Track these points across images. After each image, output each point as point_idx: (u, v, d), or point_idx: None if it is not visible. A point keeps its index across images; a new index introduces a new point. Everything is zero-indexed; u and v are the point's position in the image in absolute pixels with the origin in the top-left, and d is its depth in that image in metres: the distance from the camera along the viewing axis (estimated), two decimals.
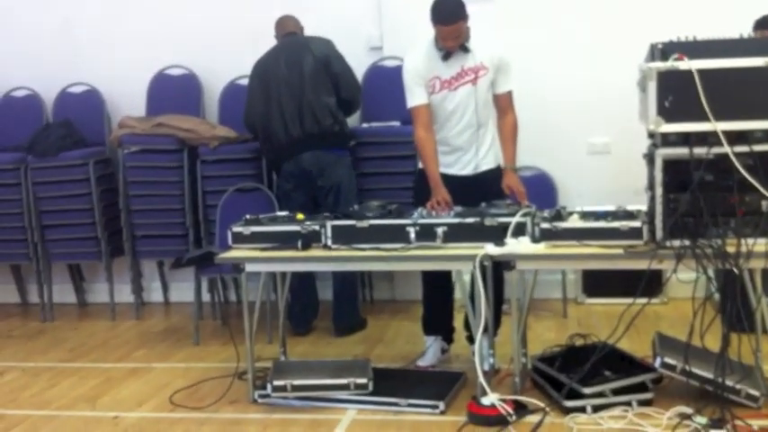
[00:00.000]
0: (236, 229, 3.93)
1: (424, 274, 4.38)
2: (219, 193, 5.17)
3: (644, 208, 3.76)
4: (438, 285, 4.35)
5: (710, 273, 3.54)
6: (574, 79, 5.30)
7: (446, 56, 4.15)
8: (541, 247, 3.61)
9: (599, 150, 5.40)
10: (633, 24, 5.11)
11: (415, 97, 4.23)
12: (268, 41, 5.13)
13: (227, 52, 5.64)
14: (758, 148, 3.42)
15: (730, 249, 3.41)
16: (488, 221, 3.71)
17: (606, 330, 3.85)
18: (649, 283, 3.60)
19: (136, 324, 5.52)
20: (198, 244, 5.37)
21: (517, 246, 3.60)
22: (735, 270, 3.42)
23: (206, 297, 5.44)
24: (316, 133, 4.82)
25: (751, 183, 3.41)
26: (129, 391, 4.23)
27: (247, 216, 4.06)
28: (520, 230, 3.68)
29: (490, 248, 3.60)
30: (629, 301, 3.63)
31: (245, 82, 5.53)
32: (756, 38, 4.15)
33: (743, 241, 3.41)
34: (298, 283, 4.83)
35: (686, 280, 3.54)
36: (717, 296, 3.76)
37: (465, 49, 4.14)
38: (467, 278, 3.83)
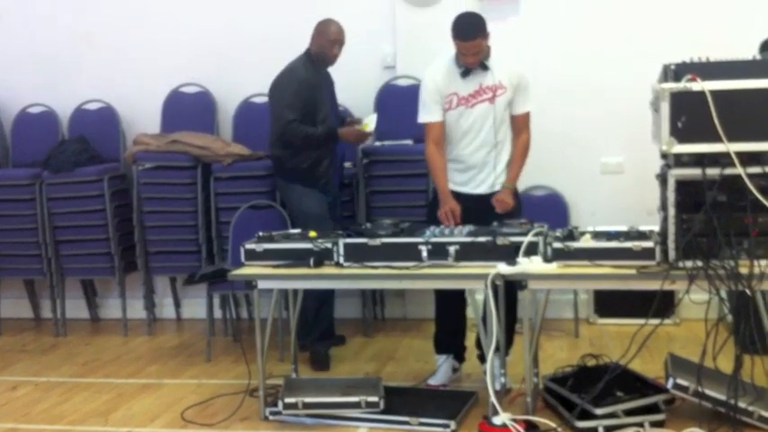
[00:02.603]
0: (249, 246, 3.95)
1: (437, 292, 4.38)
2: (233, 209, 5.19)
3: (656, 228, 3.76)
4: (451, 304, 4.35)
5: (723, 294, 3.54)
6: (588, 99, 5.31)
7: (465, 72, 4.18)
8: (553, 267, 3.61)
9: (612, 170, 5.40)
10: (647, 45, 5.13)
11: (429, 113, 4.27)
12: (283, 61, 5.16)
13: (241, 70, 5.69)
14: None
15: (743, 270, 3.41)
16: (500, 240, 3.71)
17: (618, 351, 3.84)
18: (662, 304, 3.61)
19: (148, 340, 5.54)
20: (211, 260, 5.40)
21: (529, 265, 3.60)
22: (747, 292, 3.41)
23: (218, 313, 5.45)
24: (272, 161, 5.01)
25: (764, 204, 3.41)
26: (141, 406, 4.24)
27: (260, 233, 4.07)
28: (532, 250, 3.68)
29: (502, 268, 3.60)
30: (641, 321, 3.62)
31: (258, 100, 5.62)
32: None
33: (756, 262, 3.41)
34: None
35: (699, 301, 3.53)
36: (729, 317, 3.75)
37: (484, 67, 4.17)
38: (479, 297, 3.84)
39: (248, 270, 3.92)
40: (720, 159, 3.43)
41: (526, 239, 3.68)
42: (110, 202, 5.50)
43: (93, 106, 5.89)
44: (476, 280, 3.63)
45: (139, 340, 5.53)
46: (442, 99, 4.24)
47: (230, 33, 5.75)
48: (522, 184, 5.22)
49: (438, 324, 4.46)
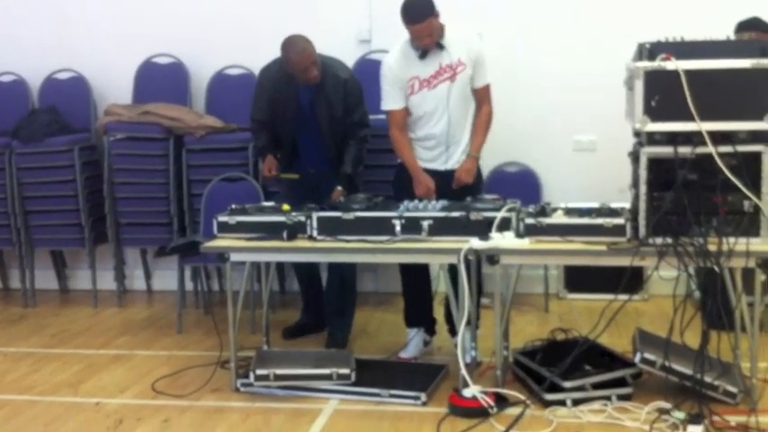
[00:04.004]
0: (222, 218, 3.94)
1: (402, 267, 4.40)
2: (205, 182, 5.16)
3: (628, 205, 3.80)
4: (417, 278, 4.39)
5: (691, 271, 3.59)
6: (561, 77, 5.34)
7: (423, 54, 4.18)
8: (526, 243, 3.64)
9: (585, 148, 5.44)
10: (621, 23, 5.17)
11: (391, 100, 4.30)
12: (257, 32, 5.14)
13: (215, 41, 5.64)
14: (742, 148, 3.47)
15: (712, 248, 3.46)
16: (473, 216, 3.73)
17: (587, 325, 3.89)
18: (631, 280, 3.66)
19: (118, 311, 5.51)
20: (182, 233, 5.37)
21: (502, 240, 3.63)
22: (715, 268, 3.47)
23: (189, 286, 5.44)
24: None
25: (734, 183, 3.45)
26: (112, 377, 4.23)
27: (233, 206, 4.06)
28: (505, 225, 3.71)
29: (475, 242, 3.63)
30: (610, 297, 3.68)
31: (233, 72, 5.59)
32: (742, 39, 4.22)
33: (724, 240, 3.46)
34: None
35: (667, 277, 3.58)
36: (697, 294, 3.81)
37: (440, 47, 4.17)
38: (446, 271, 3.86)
39: (220, 242, 3.91)
40: (692, 138, 3.47)
41: (499, 215, 3.70)
42: (80, 173, 5.45)
43: (63, 76, 5.81)
44: (449, 254, 3.66)
45: (110, 312, 5.50)
46: (403, 85, 4.25)
47: (204, 3, 5.68)
48: (495, 161, 5.28)
49: (406, 298, 4.49)
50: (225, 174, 5.16)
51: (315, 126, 4.58)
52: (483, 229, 3.70)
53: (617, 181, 4.54)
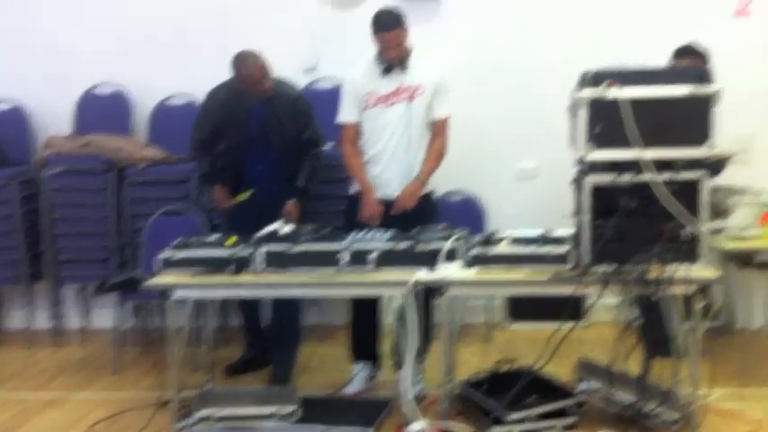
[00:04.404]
0: (165, 254, 3.84)
1: (353, 299, 4.35)
2: (147, 215, 5.00)
3: (570, 232, 3.80)
4: (367, 310, 4.34)
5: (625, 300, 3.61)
6: (503, 105, 5.38)
7: (386, 70, 4.19)
8: (473, 273, 3.63)
9: (527, 175, 5.47)
10: (562, 53, 5.21)
11: (346, 113, 4.31)
12: (200, 61, 5.07)
13: (157, 71, 5.52)
14: (681, 175, 3.50)
15: (653, 275, 3.47)
16: (420, 247, 3.70)
17: (531, 355, 3.88)
18: (573, 308, 3.67)
19: (54, 352, 5.31)
20: (123, 268, 5.24)
21: (449, 271, 3.61)
22: (654, 296, 3.48)
23: (128, 323, 5.27)
24: None
25: (674, 210, 3.47)
26: (47, 422, 4.08)
27: (177, 240, 3.97)
28: (452, 256, 3.69)
29: (422, 274, 3.60)
30: (552, 325, 3.68)
31: (176, 102, 5.51)
32: (682, 67, 4.29)
33: (665, 267, 3.47)
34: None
35: (608, 305, 3.59)
36: (636, 320, 3.82)
37: (404, 67, 4.17)
38: (396, 304, 3.81)
39: (164, 279, 3.80)
40: (634, 166, 3.49)
41: (446, 246, 3.68)
42: (19, 208, 5.28)
43: (2, 106, 5.65)
44: (396, 287, 3.62)
45: (45, 352, 5.30)
46: (360, 99, 4.25)
47: (147, 32, 5.56)
48: (439, 190, 5.26)
49: (354, 331, 4.43)
50: (167, 207, 5.05)
51: (266, 147, 4.53)
52: (430, 260, 3.67)
53: (559, 207, 4.59)
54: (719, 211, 4.20)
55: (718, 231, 4.10)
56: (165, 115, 5.53)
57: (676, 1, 5.23)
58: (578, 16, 5.33)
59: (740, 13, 5.30)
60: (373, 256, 3.71)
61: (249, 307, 4.79)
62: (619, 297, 3.55)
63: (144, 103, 5.59)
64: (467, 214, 5.22)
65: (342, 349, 4.57)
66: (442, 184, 5.13)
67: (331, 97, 4.89)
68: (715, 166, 4.01)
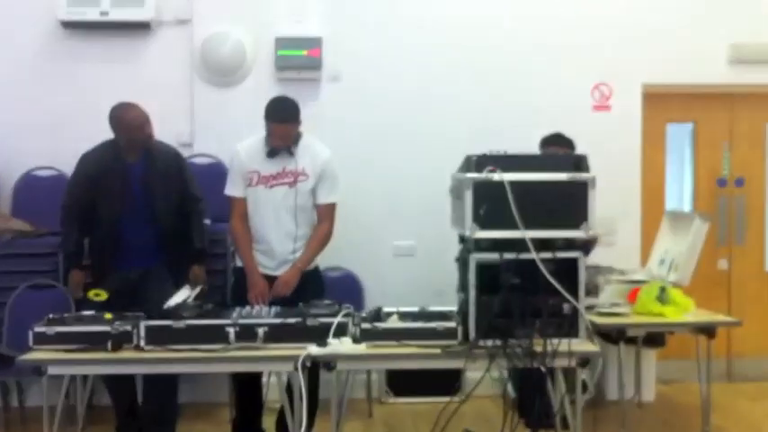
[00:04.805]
0: (39, 328, 3.63)
1: (235, 376, 4.26)
2: (11, 289, 4.80)
3: (450, 308, 3.88)
4: (249, 386, 4.26)
5: (504, 373, 3.71)
6: (381, 185, 5.55)
7: (271, 153, 4.20)
8: (363, 348, 3.64)
9: (404, 253, 5.58)
10: (438, 138, 5.46)
11: (233, 187, 4.32)
12: (68, 133, 4.94)
13: (23, 142, 5.35)
14: (560, 255, 3.68)
15: (537, 349, 3.60)
16: (310, 322, 3.69)
17: (411, 429, 3.88)
18: (451, 382, 3.72)
19: None
20: None
21: (340, 346, 3.60)
22: (542, 368, 3.60)
23: None
24: None
25: (554, 287, 3.63)
26: None
27: (51, 315, 3.77)
28: (340, 331, 3.69)
29: (313, 349, 3.58)
30: (432, 399, 3.70)
31: (42, 173, 5.31)
32: (559, 154, 4.57)
33: (548, 341, 3.61)
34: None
35: (487, 379, 3.69)
36: (512, 393, 3.92)
37: (290, 153, 4.21)
38: (284, 379, 3.77)
39: (38, 355, 3.59)
40: (516, 245, 3.64)
41: (336, 320, 3.68)
42: None
43: None
44: (286, 362, 3.57)
45: None
46: (245, 175, 4.25)
47: (12, 102, 5.39)
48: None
49: (238, 408, 4.34)
50: (32, 280, 4.81)
51: (146, 208, 4.38)
52: (319, 335, 3.66)
53: (434, 284, 4.72)
54: (589, 289, 4.42)
55: (589, 308, 4.31)
56: (30, 187, 5.33)
57: (545, 95, 5.59)
58: (450, 103, 5.58)
59: (600, 106, 5.72)
60: (262, 330, 3.66)
61: (122, 385, 4.55)
62: (498, 371, 3.64)
63: (8, 175, 5.37)
64: (346, 290, 5.26)
65: (221, 427, 4.43)
66: (322, 260, 5.18)
67: (206, 173, 4.91)
68: (585, 246, 4.24)
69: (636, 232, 5.75)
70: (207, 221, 4.70)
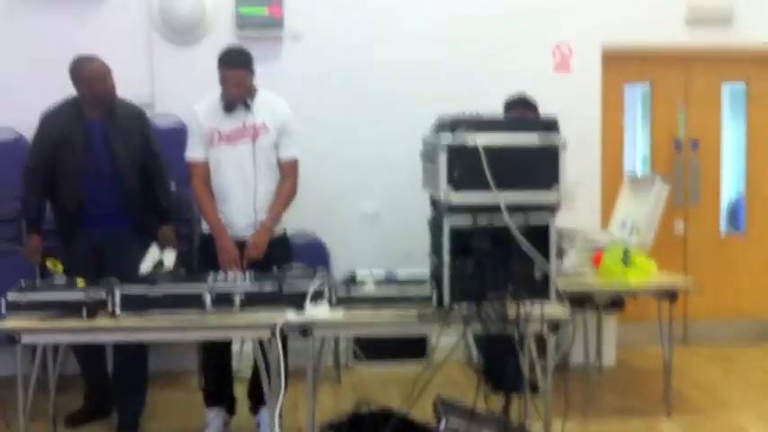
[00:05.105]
0: (11, 296, 3.56)
1: (204, 344, 4.24)
2: None
3: (420, 271, 3.88)
4: (219, 354, 4.24)
5: (470, 338, 3.74)
6: (345, 148, 5.53)
7: (228, 108, 4.14)
8: (340, 314, 3.65)
9: (369, 217, 5.59)
10: (402, 101, 5.46)
11: (192, 150, 4.25)
12: (26, 94, 4.83)
13: None
14: (532, 219, 3.70)
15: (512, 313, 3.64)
16: (287, 288, 3.68)
17: (383, 395, 3.92)
18: (417, 348, 3.73)
19: None
20: None
21: (318, 313, 3.61)
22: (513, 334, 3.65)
23: None
24: None
25: (526, 251, 3.66)
26: None
27: (23, 282, 3.69)
28: (315, 297, 3.69)
29: (291, 315, 3.57)
30: (399, 363, 3.72)
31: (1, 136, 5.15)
32: (529, 116, 4.59)
33: (522, 305, 3.65)
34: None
35: (448, 345, 3.73)
36: (476, 359, 3.94)
37: (247, 106, 4.15)
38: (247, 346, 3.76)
39: (12, 323, 3.51)
40: (489, 208, 3.65)
41: (312, 287, 3.67)
42: None
43: None
44: (263, 329, 3.56)
45: None
46: (204, 135, 4.19)
47: None
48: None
49: (206, 376, 4.32)
50: None
51: (109, 166, 4.27)
52: (295, 302, 3.65)
53: (401, 247, 4.74)
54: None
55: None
56: None
57: (506, 58, 5.61)
58: (414, 66, 5.57)
59: (561, 68, 5.75)
60: (238, 298, 3.64)
61: (91, 353, 4.51)
62: (464, 336, 3.68)
63: None
64: (310, 256, 5.22)
65: (189, 394, 4.43)
66: (286, 223, 5.16)
67: (168, 134, 4.82)
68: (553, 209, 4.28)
69: (596, 194, 5.84)
70: (172, 183, 4.63)
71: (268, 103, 4.23)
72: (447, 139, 3.62)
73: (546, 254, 3.74)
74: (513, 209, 3.66)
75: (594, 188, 5.84)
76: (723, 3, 5.85)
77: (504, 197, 3.61)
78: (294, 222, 5.17)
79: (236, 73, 4.10)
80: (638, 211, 4.97)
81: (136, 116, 4.42)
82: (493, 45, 5.64)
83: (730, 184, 6.38)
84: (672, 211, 6.01)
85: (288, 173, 4.30)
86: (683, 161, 6.15)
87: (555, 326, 3.76)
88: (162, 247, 4.03)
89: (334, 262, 5.37)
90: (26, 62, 5.26)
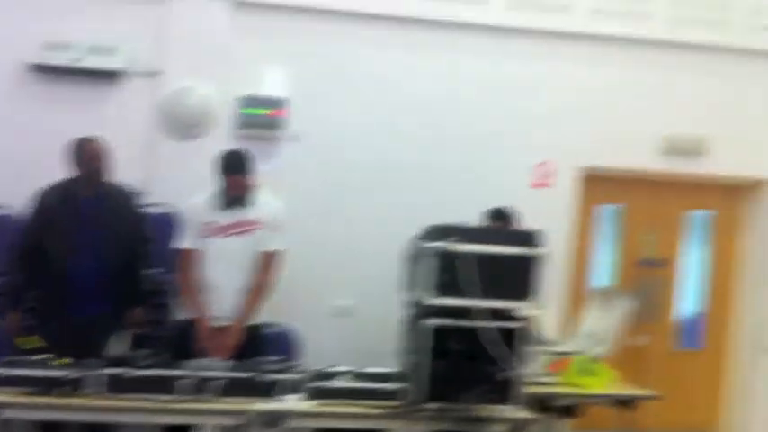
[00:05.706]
0: None
1: (165, 428, 4.27)
2: None
3: (390, 370, 4.01)
4: None
5: None
6: (323, 245, 5.65)
7: (226, 204, 4.31)
8: (314, 405, 3.74)
9: (342, 312, 5.70)
10: (379, 209, 5.66)
11: (185, 239, 4.39)
12: (28, 174, 4.91)
13: None
14: (506, 324, 3.87)
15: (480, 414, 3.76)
16: (264, 377, 3.77)
17: None
18: None
19: None
20: None
21: (291, 403, 3.70)
22: None
23: None
24: None
25: (495, 354, 3.81)
26: None
27: (7, 357, 3.75)
28: (290, 387, 3.78)
29: (265, 405, 3.66)
30: None
31: None
32: (516, 229, 4.80)
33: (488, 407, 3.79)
34: None
35: None
36: None
37: (245, 204, 4.33)
38: None
39: None
40: (466, 313, 3.81)
41: (288, 376, 3.78)
42: None
43: None
44: (238, 416, 3.64)
45: None
46: (200, 226, 4.34)
47: None
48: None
49: None
50: None
51: (93, 245, 4.33)
52: (269, 391, 3.74)
53: (371, 345, 4.83)
54: None
55: None
56: None
57: (491, 172, 5.87)
58: (401, 171, 5.79)
59: (539, 184, 6.01)
60: (216, 384, 3.72)
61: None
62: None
63: None
64: (285, 349, 5.31)
65: None
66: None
67: (159, 224, 4.93)
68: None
69: (561, 305, 6.01)
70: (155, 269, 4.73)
71: (265, 202, 4.46)
72: (438, 244, 3.79)
73: (515, 357, 3.89)
74: (492, 314, 3.83)
75: (560, 299, 6.02)
76: (696, 135, 6.16)
77: (485, 304, 3.79)
78: (269, 314, 5.30)
79: (237, 178, 4.35)
80: (602, 324, 5.17)
81: (129, 199, 4.56)
82: (476, 158, 5.86)
83: (690, 304, 6.63)
84: (633, 325, 6.20)
85: (265, 265, 4.45)
86: (647, 279, 6.40)
87: (519, 429, 3.87)
88: (129, 328, 4.08)
89: (307, 356, 5.42)
90: (32, 144, 5.30)
